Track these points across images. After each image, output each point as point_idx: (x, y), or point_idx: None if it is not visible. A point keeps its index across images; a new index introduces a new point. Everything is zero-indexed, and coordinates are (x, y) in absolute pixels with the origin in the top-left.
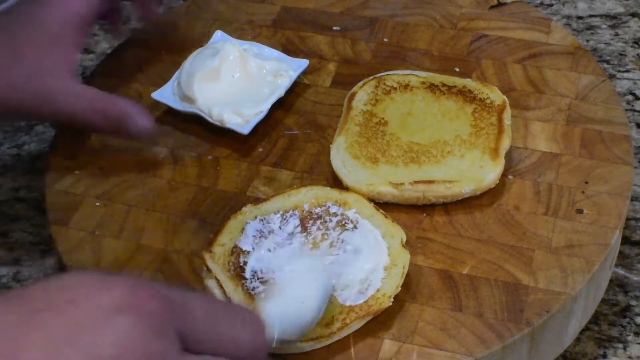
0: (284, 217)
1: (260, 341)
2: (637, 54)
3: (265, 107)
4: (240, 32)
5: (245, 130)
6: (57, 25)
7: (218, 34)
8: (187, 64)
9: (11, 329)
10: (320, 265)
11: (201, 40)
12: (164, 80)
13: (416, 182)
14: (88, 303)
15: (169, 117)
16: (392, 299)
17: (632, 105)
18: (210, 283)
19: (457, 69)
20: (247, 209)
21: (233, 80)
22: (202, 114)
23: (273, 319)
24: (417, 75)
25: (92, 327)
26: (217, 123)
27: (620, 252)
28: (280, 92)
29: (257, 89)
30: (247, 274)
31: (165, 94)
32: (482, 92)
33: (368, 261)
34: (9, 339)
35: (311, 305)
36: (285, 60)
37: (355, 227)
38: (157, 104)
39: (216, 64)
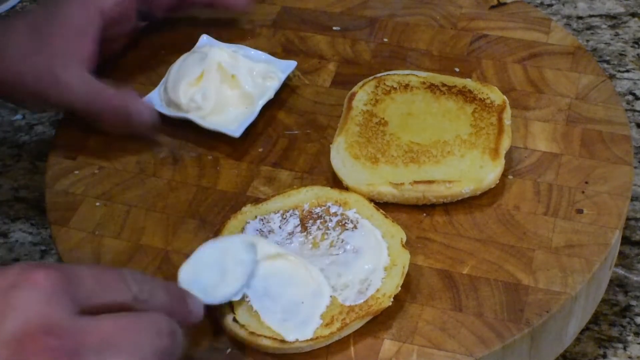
0: (284, 216)
1: (177, 297)
2: (637, 54)
3: (255, 109)
4: (240, 32)
5: (236, 133)
6: (82, 20)
7: (204, 38)
8: (174, 69)
9: None
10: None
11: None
12: None
13: (416, 182)
14: None
15: (168, 117)
16: (392, 299)
17: (632, 105)
18: None
19: (457, 69)
20: (247, 209)
21: (220, 84)
22: (192, 118)
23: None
24: (417, 75)
25: None
26: (208, 126)
27: (620, 252)
28: (270, 94)
29: (247, 92)
30: None
31: (154, 100)
32: (482, 92)
33: (368, 261)
34: None
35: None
36: (273, 62)
37: (355, 227)
38: None
39: (203, 69)
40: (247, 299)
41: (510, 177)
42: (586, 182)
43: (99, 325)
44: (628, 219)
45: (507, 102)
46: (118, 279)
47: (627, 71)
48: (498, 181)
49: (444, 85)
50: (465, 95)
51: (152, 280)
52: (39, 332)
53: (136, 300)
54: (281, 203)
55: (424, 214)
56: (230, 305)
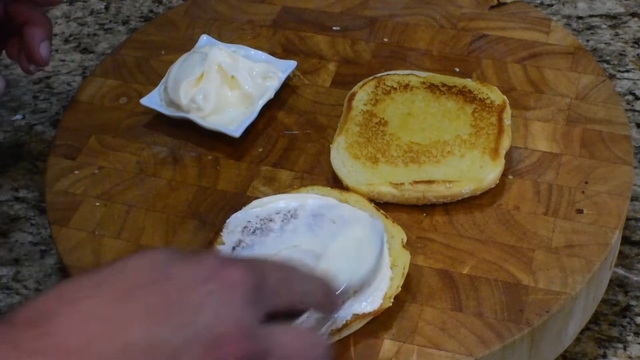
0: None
1: (328, 291)
2: (637, 54)
3: (255, 109)
4: (240, 32)
5: (236, 133)
6: None
7: (204, 38)
8: (174, 69)
9: (113, 304)
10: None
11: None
12: None
13: (416, 182)
14: (181, 277)
15: (168, 117)
16: (392, 299)
17: (632, 105)
18: None
19: (457, 69)
20: None
21: (220, 85)
22: (192, 118)
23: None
24: (417, 75)
25: (188, 295)
26: (208, 126)
27: (620, 252)
28: (270, 94)
29: (247, 92)
30: None
31: (154, 100)
32: (482, 92)
33: None
34: (113, 313)
35: (369, 252)
36: (273, 62)
37: None
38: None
39: (203, 70)
40: None
41: (510, 177)
42: (586, 182)
43: (281, 337)
44: (628, 219)
45: (507, 102)
46: (291, 279)
47: (627, 71)
48: (498, 181)
49: (444, 85)
50: (465, 95)
51: (309, 277)
52: (235, 335)
53: (300, 302)
54: None
55: (424, 214)
56: None
